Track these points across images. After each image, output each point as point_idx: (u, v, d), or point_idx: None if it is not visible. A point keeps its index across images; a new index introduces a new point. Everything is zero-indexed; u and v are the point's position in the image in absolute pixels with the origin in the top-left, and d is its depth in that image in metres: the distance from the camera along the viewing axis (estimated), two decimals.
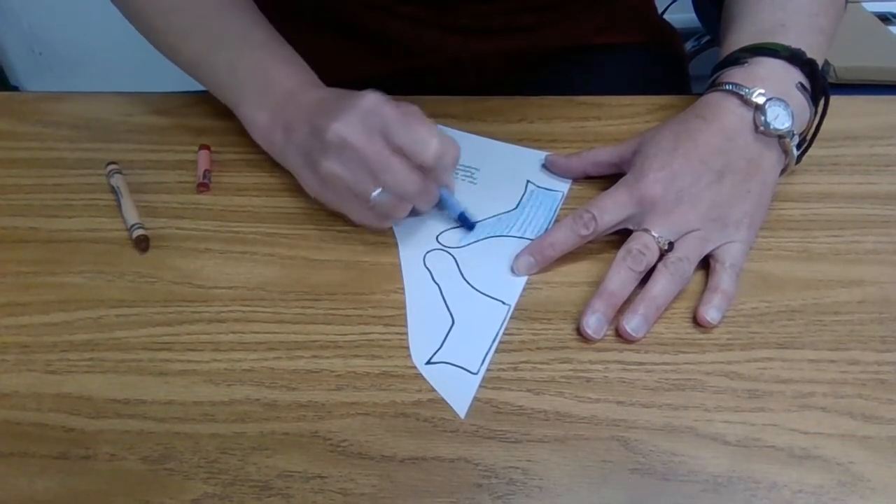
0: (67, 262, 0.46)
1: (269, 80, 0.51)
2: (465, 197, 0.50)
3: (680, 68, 0.75)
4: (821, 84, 0.48)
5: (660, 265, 0.44)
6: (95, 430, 0.38)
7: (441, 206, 0.48)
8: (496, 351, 0.41)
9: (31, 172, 0.53)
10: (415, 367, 0.41)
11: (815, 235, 0.48)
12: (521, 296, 0.44)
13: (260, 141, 0.51)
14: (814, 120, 0.49)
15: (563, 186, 0.52)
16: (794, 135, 0.46)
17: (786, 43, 0.48)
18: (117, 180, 0.51)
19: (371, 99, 0.45)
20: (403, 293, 0.44)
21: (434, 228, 0.49)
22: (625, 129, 0.55)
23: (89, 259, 0.47)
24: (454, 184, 0.48)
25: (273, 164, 0.53)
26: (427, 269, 0.46)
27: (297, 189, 0.51)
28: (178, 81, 0.59)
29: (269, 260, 0.46)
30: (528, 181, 0.52)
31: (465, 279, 0.46)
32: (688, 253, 0.44)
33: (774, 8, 0.52)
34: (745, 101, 0.46)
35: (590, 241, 0.46)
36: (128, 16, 0.55)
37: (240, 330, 0.43)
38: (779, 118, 0.46)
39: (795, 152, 0.47)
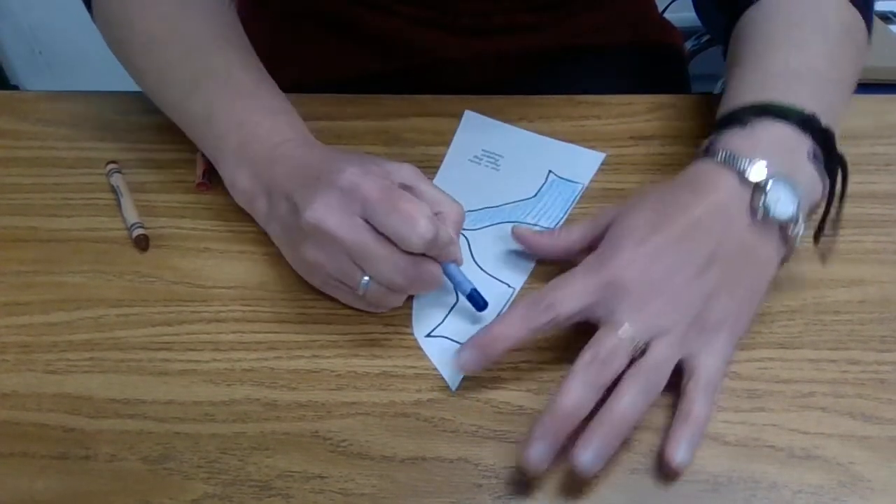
0: (67, 261, 0.46)
1: (248, 138, 0.45)
2: (488, 183, 0.51)
3: (680, 67, 0.75)
4: (836, 154, 0.41)
5: (627, 376, 0.35)
6: (95, 430, 0.38)
7: (449, 281, 0.43)
8: None
9: (30, 172, 0.53)
10: (415, 367, 0.41)
11: None
12: (524, 286, 0.45)
13: (242, 203, 0.46)
14: (827, 195, 0.41)
15: (584, 178, 0.52)
16: (797, 222, 0.38)
17: (798, 103, 0.40)
18: (117, 179, 0.51)
19: (349, 176, 0.39)
20: None
21: None
22: (624, 128, 0.55)
23: (89, 258, 0.47)
24: (461, 255, 0.43)
25: None
26: None
27: None
28: None
29: (269, 260, 0.46)
30: (549, 171, 0.53)
31: (474, 260, 0.46)
32: (661, 361, 0.36)
33: (789, 49, 0.44)
34: (743, 178, 0.38)
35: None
36: (115, 53, 0.51)
37: (240, 330, 0.42)
38: (781, 202, 0.38)
39: (798, 242, 0.39)
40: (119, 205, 0.49)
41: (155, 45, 0.48)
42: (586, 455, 0.34)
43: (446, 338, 0.42)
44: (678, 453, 0.35)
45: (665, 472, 0.36)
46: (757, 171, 0.38)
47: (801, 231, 0.39)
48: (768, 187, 0.38)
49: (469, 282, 0.42)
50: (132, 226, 0.48)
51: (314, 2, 0.65)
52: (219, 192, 0.51)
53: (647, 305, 0.37)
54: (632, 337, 0.36)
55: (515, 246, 0.47)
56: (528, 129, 0.56)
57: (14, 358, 0.41)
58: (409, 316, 0.43)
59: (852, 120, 0.58)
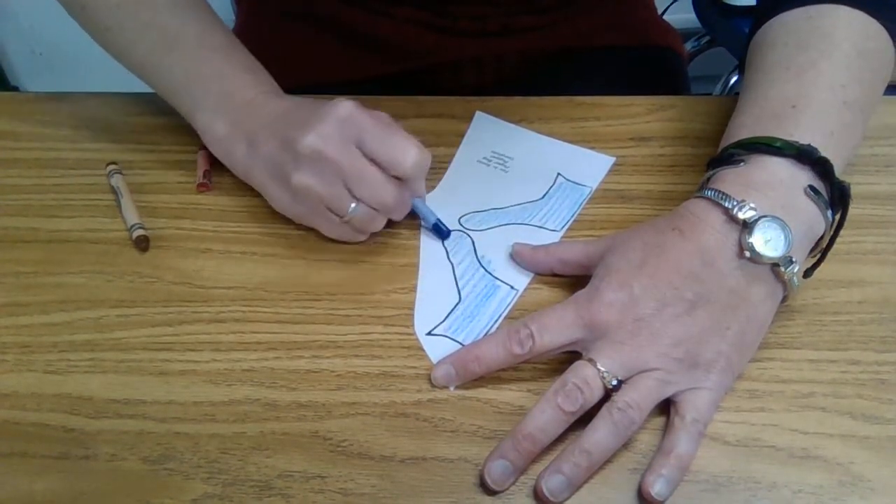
0: (67, 262, 0.46)
1: (229, 88, 0.48)
2: (496, 185, 0.51)
3: (680, 69, 0.75)
4: (838, 186, 0.39)
5: (603, 410, 0.36)
6: (95, 430, 0.38)
7: (414, 214, 0.47)
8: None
9: (31, 172, 0.53)
10: (415, 368, 0.41)
11: None
12: (520, 296, 0.44)
13: (217, 152, 0.49)
14: (829, 230, 0.40)
15: (593, 182, 0.52)
16: (791, 262, 0.37)
17: (793, 134, 0.40)
18: (117, 180, 0.51)
19: (345, 107, 0.43)
20: (403, 293, 0.45)
21: (458, 210, 0.50)
22: (624, 130, 0.55)
23: (89, 259, 0.47)
24: (424, 191, 0.47)
25: None
26: (444, 247, 0.47)
27: None
28: None
29: (269, 260, 0.46)
30: (558, 173, 0.53)
31: (478, 261, 0.46)
32: (638, 399, 0.36)
33: (790, 77, 0.43)
34: (732, 217, 0.38)
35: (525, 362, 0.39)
36: (73, 13, 0.51)
37: (240, 330, 0.43)
38: (771, 242, 0.37)
39: (796, 282, 0.38)
40: (119, 206, 0.49)
41: (126, 4, 0.49)
42: (553, 481, 0.35)
43: (447, 336, 0.42)
44: (655, 485, 0.35)
45: (644, 499, 0.35)
46: (746, 211, 0.37)
47: (798, 269, 0.38)
48: (756, 227, 0.37)
49: (433, 213, 0.47)
50: (132, 226, 0.48)
51: (312, 5, 0.65)
52: (219, 193, 0.51)
53: (623, 345, 0.37)
54: (608, 370, 0.36)
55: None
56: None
57: (14, 358, 0.41)
58: (409, 316, 0.43)
59: None
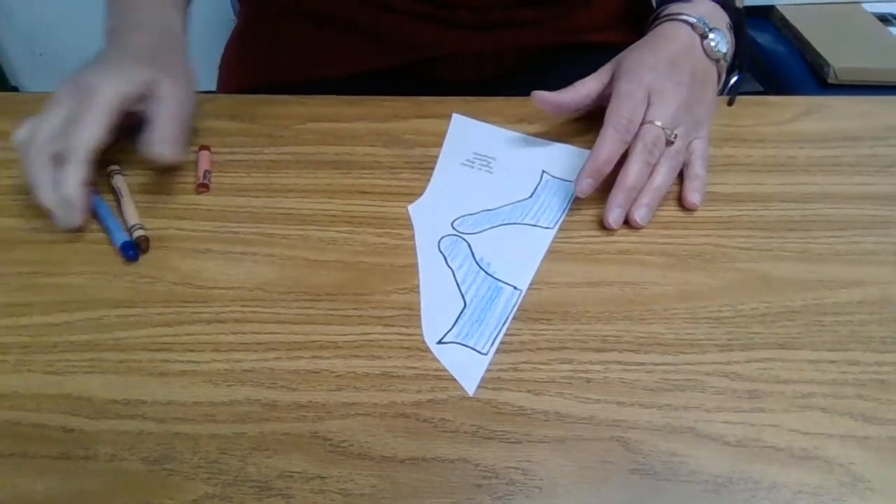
0: (67, 262, 0.46)
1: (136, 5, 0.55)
2: (483, 186, 0.52)
3: None
4: (744, 30, 0.58)
5: (662, 157, 0.50)
6: (95, 431, 0.38)
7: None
8: (506, 333, 0.42)
9: None
10: (415, 368, 0.41)
11: (816, 236, 0.48)
12: (524, 294, 0.44)
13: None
14: (735, 58, 0.57)
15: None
16: (727, 61, 0.55)
17: None
18: (118, 181, 0.51)
19: (117, 84, 0.48)
20: (403, 294, 0.45)
21: (449, 215, 0.50)
22: None
23: (89, 260, 0.47)
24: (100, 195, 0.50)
25: (272, 165, 0.53)
26: (441, 253, 0.47)
27: (297, 189, 0.51)
28: None
29: (269, 260, 0.46)
30: (543, 171, 0.53)
31: (477, 264, 0.46)
32: (683, 145, 0.51)
33: None
34: (694, 28, 0.54)
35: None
36: None
37: (240, 330, 0.43)
38: (719, 44, 0.54)
39: (723, 76, 0.56)
40: (119, 206, 0.49)
41: None
42: (640, 211, 0.49)
43: (458, 343, 0.42)
44: (694, 195, 0.50)
45: (687, 208, 0.50)
46: (703, 24, 0.54)
47: (728, 62, 0.56)
48: (711, 33, 0.54)
49: (120, 229, 0.48)
50: (132, 227, 0.48)
51: (313, 0, 0.65)
52: (219, 193, 0.51)
53: (670, 104, 0.50)
54: (664, 125, 0.50)
55: (517, 247, 0.47)
56: (528, 130, 0.57)
57: (14, 359, 0.41)
58: (410, 317, 0.43)
59: (852, 120, 0.58)
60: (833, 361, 0.41)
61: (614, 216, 0.48)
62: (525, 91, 0.55)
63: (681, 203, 0.50)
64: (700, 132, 0.53)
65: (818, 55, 1.07)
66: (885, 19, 1.17)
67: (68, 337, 0.42)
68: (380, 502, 0.35)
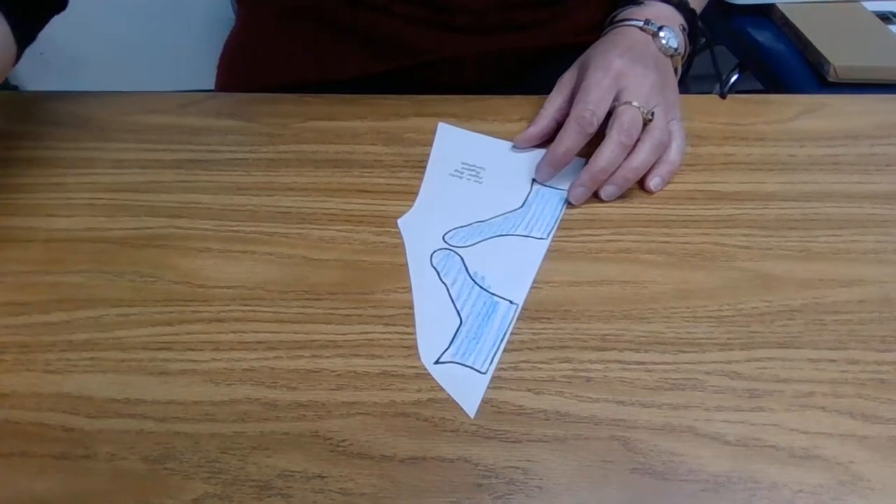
0: (67, 261, 0.46)
1: None
2: (473, 197, 0.51)
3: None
4: (700, 29, 0.62)
5: (644, 135, 0.50)
6: (95, 430, 0.38)
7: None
8: (503, 351, 0.42)
9: (30, 172, 0.53)
10: (415, 367, 0.41)
11: (816, 235, 0.48)
12: (526, 299, 0.44)
13: None
14: (687, 55, 0.60)
15: (567, 184, 0.52)
16: (683, 56, 0.58)
17: None
18: None
19: None
20: (403, 293, 0.44)
21: (440, 228, 0.49)
22: None
23: (89, 258, 0.47)
24: None
25: (272, 164, 0.53)
26: (434, 268, 0.46)
27: (297, 188, 0.51)
28: (178, 81, 0.59)
29: (269, 259, 0.46)
30: (533, 180, 0.53)
31: (472, 278, 0.46)
32: (663, 123, 0.51)
33: None
34: (643, 29, 0.57)
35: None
36: None
37: (240, 329, 0.43)
38: (670, 40, 0.56)
39: (679, 71, 0.58)
40: None
41: None
42: (607, 189, 0.50)
43: (455, 363, 0.41)
44: (653, 181, 0.51)
45: (647, 190, 0.51)
46: (653, 25, 0.56)
47: (684, 59, 0.59)
48: (661, 32, 0.56)
49: None
50: None
51: (312, 3, 0.65)
52: (219, 192, 0.51)
53: (642, 86, 0.52)
54: (640, 105, 0.50)
55: (511, 260, 0.46)
56: (527, 129, 0.56)
57: (13, 358, 0.41)
58: (409, 315, 0.43)
59: (852, 120, 0.58)
60: (833, 360, 0.41)
61: (575, 194, 0.50)
62: (526, 93, 0.55)
63: (641, 185, 0.51)
64: (674, 114, 0.54)
65: (818, 53, 1.07)
66: (885, 17, 1.16)
67: (68, 336, 0.42)
68: (380, 502, 0.35)
